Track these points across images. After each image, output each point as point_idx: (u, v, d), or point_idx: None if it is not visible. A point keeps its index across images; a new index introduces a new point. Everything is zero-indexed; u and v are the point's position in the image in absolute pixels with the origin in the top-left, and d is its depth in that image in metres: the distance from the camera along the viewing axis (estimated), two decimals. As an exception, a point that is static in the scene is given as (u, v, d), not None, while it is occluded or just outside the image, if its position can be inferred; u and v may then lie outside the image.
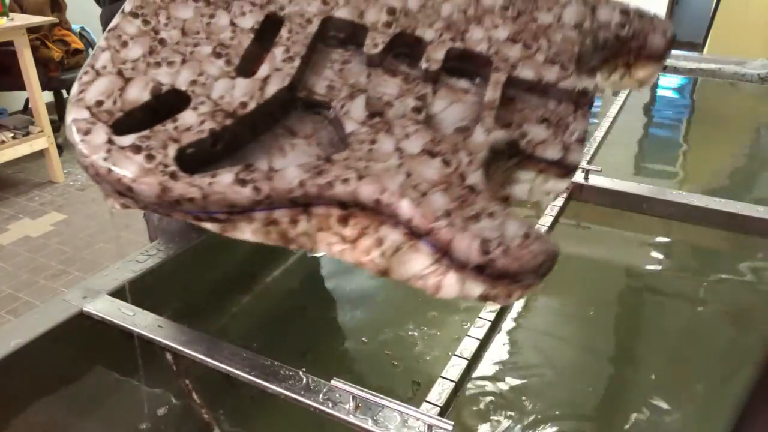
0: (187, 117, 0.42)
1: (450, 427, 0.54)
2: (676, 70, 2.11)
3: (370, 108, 0.44)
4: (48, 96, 3.38)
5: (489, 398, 0.86)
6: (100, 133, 0.41)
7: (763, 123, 2.05)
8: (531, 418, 0.83)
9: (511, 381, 0.88)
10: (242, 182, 0.41)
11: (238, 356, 0.66)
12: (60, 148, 3.33)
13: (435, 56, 0.46)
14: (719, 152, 1.85)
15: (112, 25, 0.46)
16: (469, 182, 0.40)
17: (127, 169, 0.40)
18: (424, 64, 0.46)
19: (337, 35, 0.49)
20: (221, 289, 1.00)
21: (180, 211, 0.42)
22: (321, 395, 0.61)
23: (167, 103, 0.44)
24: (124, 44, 0.46)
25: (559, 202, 1.01)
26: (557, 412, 0.84)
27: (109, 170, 0.41)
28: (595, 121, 1.37)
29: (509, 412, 0.84)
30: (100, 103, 0.43)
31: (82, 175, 3.28)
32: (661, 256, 1.18)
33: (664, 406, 0.84)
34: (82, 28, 3.61)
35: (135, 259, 0.85)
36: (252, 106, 0.43)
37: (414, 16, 0.48)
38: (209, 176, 0.41)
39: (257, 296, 1.00)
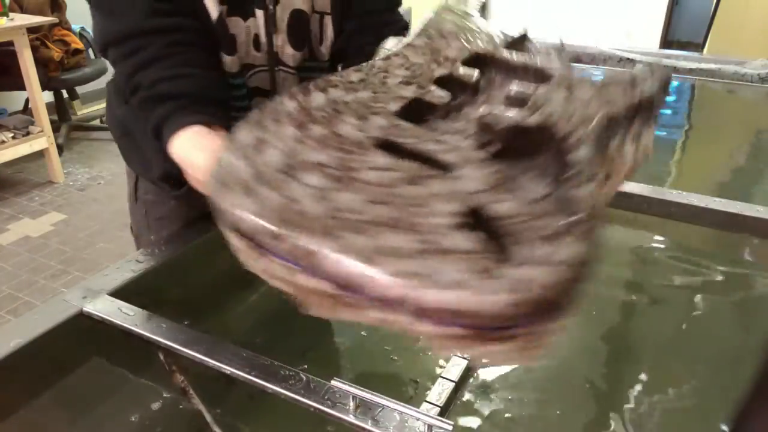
0: None
1: (450, 427, 0.54)
2: (676, 70, 2.11)
3: None
4: (48, 96, 3.38)
5: (489, 397, 0.86)
6: None
7: (763, 123, 2.05)
8: (531, 416, 0.83)
9: (511, 378, 0.88)
10: None
11: (238, 356, 0.66)
12: (60, 148, 3.34)
13: None
14: (719, 152, 1.85)
15: None
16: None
17: None
18: None
19: None
20: (221, 289, 1.00)
21: None
22: (321, 395, 0.61)
23: None
24: None
25: (559, 202, 1.01)
26: (558, 412, 0.84)
27: None
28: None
29: (508, 411, 0.84)
30: None
31: (82, 175, 3.28)
32: (660, 256, 1.18)
33: (664, 405, 0.84)
34: (82, 28, 3.61)
35: (135, 259, 0.85)
36: None
37: None
38: None
39: (257, 296, 1.01)
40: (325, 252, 0.36)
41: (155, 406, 0.79)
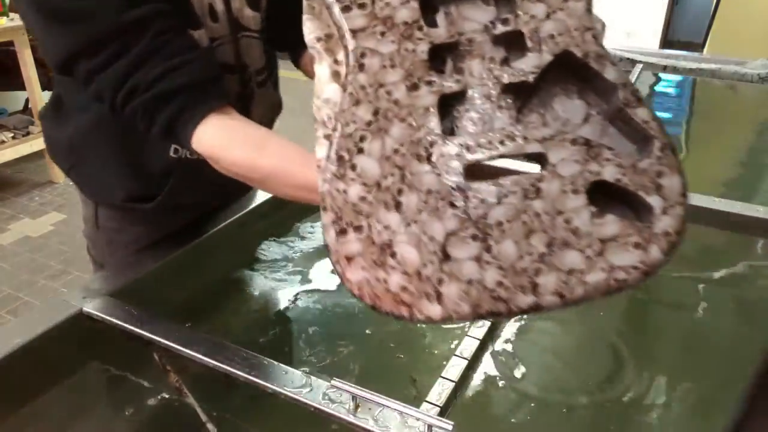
0: None
1: (450, 427, 0.54)
2: (676, 70, 2.11)
3: None
4: (48, 96, 3.38)
5: (488, 396, 0.86)
6: None
7: (763, 123, 2.05)
8: (529, 414, 0.83)
9: (511, 378, 0.88)
10: None
11: (238, 356, 0.66)
12: (60, 148, 3.33)
13: None
14: (719, 152, 1.85)
15: None
16: None
17: None
18: None
19: None
20: (221, 289, 1.00)
21: None
22: (321, 395, 0.61)
23: None
24: None
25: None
26: (563, 410, 0.84)
27: None
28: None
29: (509, 409, 0.84)
30: None
31: (82, 175, 3.28)
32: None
33: (664, 405, 0.84)
34: (82, 28, 3.60)
35: (135, 260, 0.86)
36: None
37: None
38: None
39: (257, 296, 1.00)
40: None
41: (155, 406, 0.79)
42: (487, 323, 0.74)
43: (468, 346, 0.71)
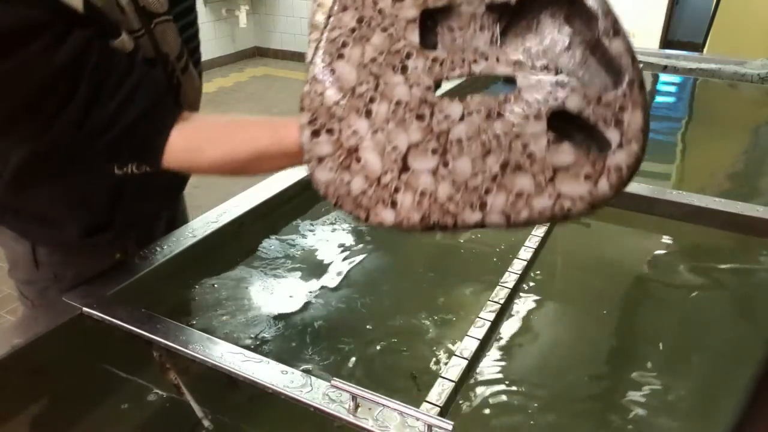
0: None
1: (450, 427, 0.54)
2: (676, 70, 2.11)
3: None
4: None
5: (488, 396, 0.86)
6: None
7: (763, 123, 2.05)
8: (529, 415, 0.83)
9: (511, 378, 0.88)
10: None
11: (238, 356, 0.66)
12: (60, 148, 3.32)
13: None
14: (719, 152, 1.85)
15: None
16: None
17: None
18: None
19: None
20: (221, 289, 1.00)
21: None
22: (321, 395, 0.61)
23: None
24: None
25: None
26: (561, 409, 0.84)
27: None
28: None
29: (509, 409, 0.84)
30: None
31: (82, 175, 3.27)
32: (660, 256, 1.18)
33: (664, 405, 0.84)
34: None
35: (134, 260, 0.85)
36: None
37: None
38: None
39: (257, 295, 1.00)
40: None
41: (155, 405, 0.79)
42: (487, 323, 0.74)
43: (468, 346, 0.71)
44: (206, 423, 0.75)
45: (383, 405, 0.57)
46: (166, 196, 0.95)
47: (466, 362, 0.69)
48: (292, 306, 0.99)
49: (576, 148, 0.44)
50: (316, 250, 1.12)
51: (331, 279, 1.05)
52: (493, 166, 0.44)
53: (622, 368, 0.93)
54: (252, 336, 0.93)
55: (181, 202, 1.04)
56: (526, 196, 0.44)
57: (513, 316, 0.99)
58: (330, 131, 0.45)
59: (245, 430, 0.81)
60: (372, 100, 0.45)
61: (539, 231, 0.94)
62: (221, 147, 0.65)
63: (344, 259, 1.10)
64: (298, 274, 1.06)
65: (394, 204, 0.44)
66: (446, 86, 0.52)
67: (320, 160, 0.46)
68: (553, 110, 0.44)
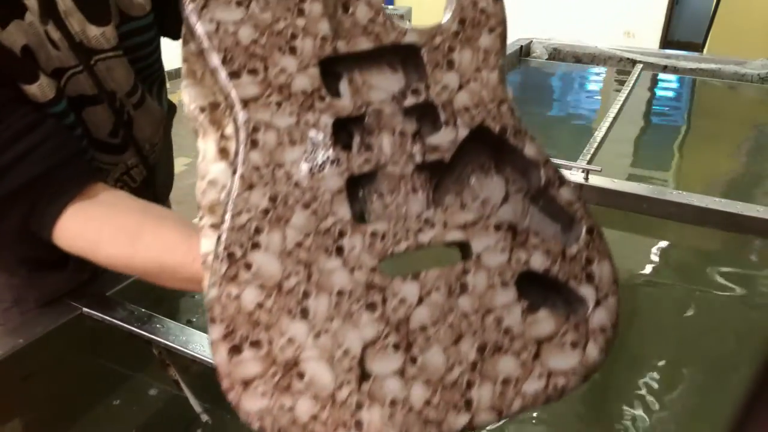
0: None
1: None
2: (676, 70, 2.12)
3: None
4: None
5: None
6: None
7: (763, 123, 2.05)
8: (527, 415, 0.83)
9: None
10: None
11: (238, 356, 0.66)
12: (60, 148, 3.33)
13: None
14: (719, 152, 1.85)
15: None
16: None
17: None
18: None
19: None
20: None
21: None
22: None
23: None
24: None
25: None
26: (562, 410, 0.84)
27: None
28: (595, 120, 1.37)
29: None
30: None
31: (82, 175, 3.28)
32: (660, 256, 1.18)
33: (663, 405, 0.84)
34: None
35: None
36: None
37: None
38: None
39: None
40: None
41: (153, 401, 0.79)
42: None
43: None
44: (205, 418, 0.75)
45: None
46: None
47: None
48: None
49: (552, 312, 0.38)
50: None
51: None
52: (470, 353, 0.36)
53: (623, 368, 0.93)
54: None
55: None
56: (515, 382, 0.37)
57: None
58: (256, 344, 0.36)
59: (246, 429, 0.81)
60: (306, 295, 0.36)
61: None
62: (119, 248, 0.54)
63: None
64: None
65: (359, 426, 0.35)
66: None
67: (246, 384, 0.36)
68: (519, 273, 0.38)
